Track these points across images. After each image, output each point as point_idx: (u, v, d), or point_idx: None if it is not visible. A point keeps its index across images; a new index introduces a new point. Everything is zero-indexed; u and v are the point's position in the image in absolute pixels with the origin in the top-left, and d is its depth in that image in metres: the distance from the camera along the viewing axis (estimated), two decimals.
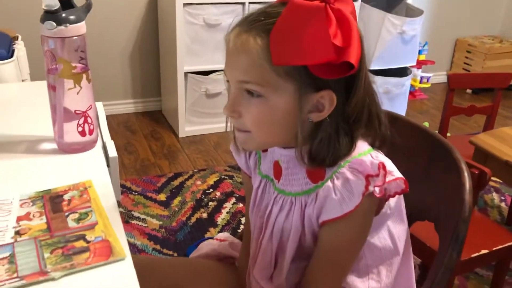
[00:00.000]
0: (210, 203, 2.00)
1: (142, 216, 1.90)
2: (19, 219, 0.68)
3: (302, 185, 0.72)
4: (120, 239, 0.65)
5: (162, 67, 2.78)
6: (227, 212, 1.94)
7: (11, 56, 1.30)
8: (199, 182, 2.15)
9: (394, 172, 0.69)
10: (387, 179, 0.67)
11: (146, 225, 1.85)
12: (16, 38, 1.41)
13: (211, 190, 2.10)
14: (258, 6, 0.70)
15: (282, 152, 0.74)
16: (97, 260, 0.60)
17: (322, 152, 0.67)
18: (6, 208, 0.70)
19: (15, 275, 0.57)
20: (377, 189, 0.66)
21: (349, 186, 0.66)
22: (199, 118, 2.62)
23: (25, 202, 0.72)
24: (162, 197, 2.03)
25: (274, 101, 0.65)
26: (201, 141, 2.57)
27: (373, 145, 0.71)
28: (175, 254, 1.69)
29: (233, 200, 2.03)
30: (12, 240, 0.63)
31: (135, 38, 2.71)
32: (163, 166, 2.32)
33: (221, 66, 2.48)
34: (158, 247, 1.73)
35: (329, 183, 0.68)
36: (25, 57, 1.38)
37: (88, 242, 0.63)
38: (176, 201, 2.01)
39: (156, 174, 2.22)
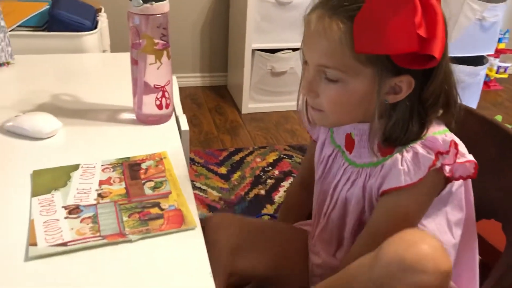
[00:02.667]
0: (268, 181, 2.04)
1: (204, 187, 1.97)
2: (101, 182, 0.74)
3: (371, 157, 0.74)
4: (191, 209, 0.69)
5: (230, 43, 2.82)
6: (284, 191, 1.97)
7: (95, 27, 1.37)
8: (258, 159, 2.19)
9: (466, 154, 0.69)
10: (458, 160, 0.67)
11: (206, 196, 1.92)
12: (100, 10, 1.48)
13: (270, 168, 2.13)
14: None
15: (357, 126, 0.75)
16: (170, 227, 0.65)
17: (396, 132, 0.68)
18: (90, 172, 0.76)
19: (98, 234, 0.63)
20: (447, 168, 0.67)
21: (417, 159, 0.67)
22: (262, 96, 2.64)
23: (107, 168, 0.78)
24: (223, 170, 2.10)
25: (352, 85, 0.67)
26: (263, 119, 2.60)
27: (449, 128, 0.71)
28: None
29: (291, 179, 2.05)
30: (95, 202, 0.69)
31: (206, 13, 2.76)
32: (225, 140, 2.37)
33: (289, 44, 2.51)
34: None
35: (397, 155, 0.69)
36: (107, 28, 1.46)
37: (162, 209, 0.68)
38: (236, 175, 2.06)
39: (218, 148, 2.28)
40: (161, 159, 0.80)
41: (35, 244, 0.61)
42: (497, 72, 3.16)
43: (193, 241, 0.64)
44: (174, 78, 1.11)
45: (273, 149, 2.29)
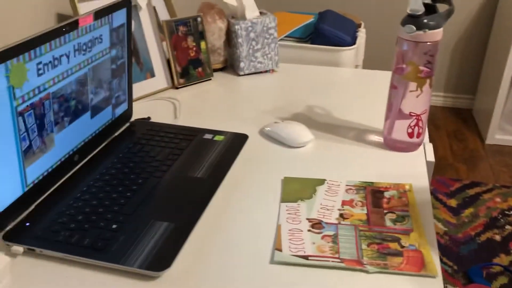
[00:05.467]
0: (507, 227, 1.79)
1: None
2: (343, 203, 0.76)
3: None
4: (433, 254, 0.65)
5: (485, 65, 2.56)
6: None
7: (354, 43, 1.41)
8: (498, 199, 1.94)
9: None
10: None
11: None
12: (360, 25, 1.52)
13: None
14: None
15: None
16: (409, 268, 0.62)
17: None
18: (334, 189, 0.79)
19: (337, 255, 0.65)
20: None
21: None
22: None
23: (350, 189, 0.79)
24: (452, 202, 1.93)
25: None
26: (511, 154, 2.29)
27: None
28: (455, 267, 1.60)
29: None
30: (337, 222, 0.71)
31: (464, 31, 2.57)
32: (460, 170, 2.18)
33: None
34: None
35: None
36: (363, 44, 1.49)
37: (402, 247, 0.66)
38: (467, 211, 1.88)
39: (451, 177, 2.11)
40: (405, 191, 0.78)
41: (280, 250, 0.66)
42: None
43: None
44: None
45: None
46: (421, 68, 0.83)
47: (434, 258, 0.64)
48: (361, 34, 1.45)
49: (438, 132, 2.51)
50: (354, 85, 1.24)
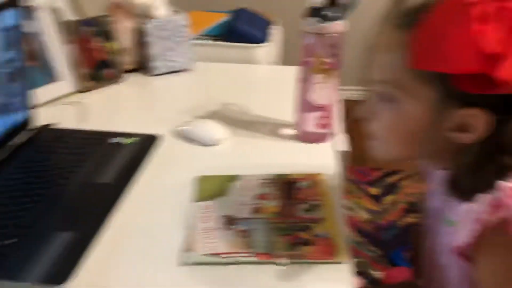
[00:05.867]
0: None
1: (352, 206, 1.91)
2: (258, 197, 0.75)
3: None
4: (344, 240, 0.66)
5: None
6: None
7: (267, 40, 1.42)
8: (415, 185, 2.05)
9: None
10: None
11: (354, 215, 1.86)
12: (273, 22, 1.53)
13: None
14: None
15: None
16: (320, 257, 0.63)
17: (465, 182, 0.56)
18: (249, 184, 0.78)
19: (249, 250, 0.64)
20: None
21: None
22: None
23: (265, 182, 0.79)
24: (374, 191, 2.01)
25: (407, 108, 0.57)
26: None
27: None
28: (380, 253, 1.67)
29: None
30: (250, 216, 0.71)
31: (374, 23, 2.68)
32: (380, 160, 2.28)
33: None
34: (362, 240, 1.73)
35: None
36: (278, 41, 1.50)
37: (313, 235, 0.66)
38: (388, 198, 1.96)
39: (371, 167, 2.20)
40: (318, 181, 0.79)
41: (193, 250, 0.64)
42: None
43: (341, 276, 0.61)
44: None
45: None
46: (326, 60, 0.85)
47: (345, 245, 0.65)
48: (275, 31, 1.47)
49: (356, 125, 2.60)
50: (268, 81, 1.25)
